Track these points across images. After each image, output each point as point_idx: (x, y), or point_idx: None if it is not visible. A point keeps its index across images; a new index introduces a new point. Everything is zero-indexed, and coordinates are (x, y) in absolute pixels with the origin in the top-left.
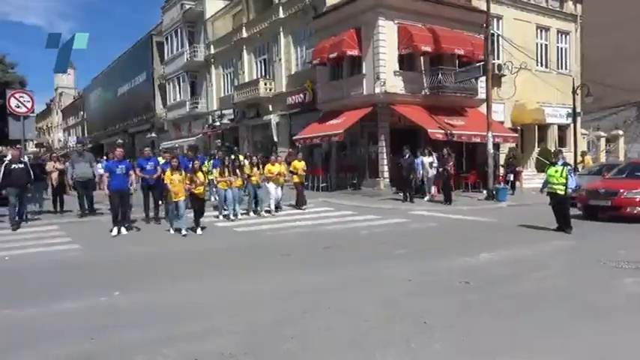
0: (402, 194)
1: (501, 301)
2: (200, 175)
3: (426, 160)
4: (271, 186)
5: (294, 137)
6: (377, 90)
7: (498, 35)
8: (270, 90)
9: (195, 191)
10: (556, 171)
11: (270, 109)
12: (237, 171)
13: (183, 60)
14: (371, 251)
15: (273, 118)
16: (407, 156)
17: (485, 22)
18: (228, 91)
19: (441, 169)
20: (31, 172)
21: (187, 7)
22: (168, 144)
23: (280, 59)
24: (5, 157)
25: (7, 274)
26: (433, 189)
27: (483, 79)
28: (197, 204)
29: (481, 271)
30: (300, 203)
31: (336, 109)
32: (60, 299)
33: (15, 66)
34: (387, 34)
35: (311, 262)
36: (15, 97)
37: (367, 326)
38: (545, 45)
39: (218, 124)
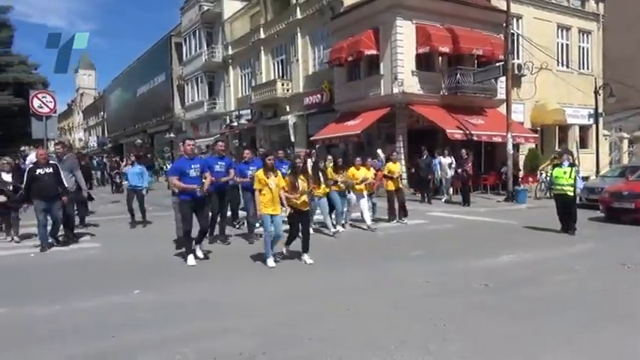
0: (419, 195)
1: (520, 303)
2: (304, 178)
3: (444, 160)
4: (357, 196)
5: (311, 138)
6: (395, 90)
7: (518, 35)
8: (288, 90)
9: (297, 201)
10: (564, 172)
11: (288, 109)
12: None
13: (201, 61)
14: (387, 252)
15: (291, 119)
16: (425, 156)
17: (505, 22)
18: (245, 92)
19: (459, 170)
20: (63, 179)
21: (206, 8)
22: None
23: (298, 60)
24: (27, 156)
25: (30, 271)
26: (451, 190)
27: (503, 79)
28: (300, 219)
29: (500, 273)
30: (391, 215)
31: (354, 109)
32: (81, 297)
33: (38, 67)
34: (405, 34)
35: (327, 264)
36: (38, 98)
37: (384, 327)
38: (567, 44)
39: (236, 124)
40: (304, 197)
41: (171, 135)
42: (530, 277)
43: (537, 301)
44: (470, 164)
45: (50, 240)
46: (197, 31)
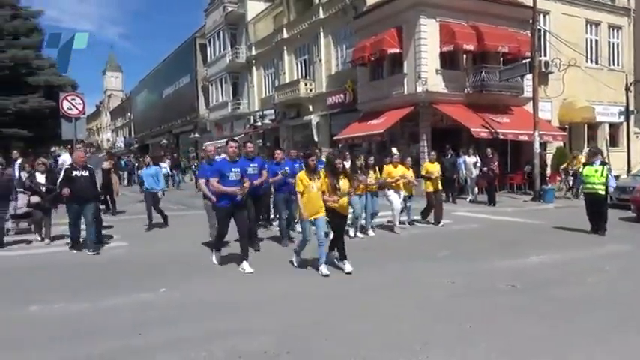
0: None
1: (549, 304)
2: (344, 180)
3: (469, 160)
4: (393, 195)
5: (334, 137)
6: (418, 89)
7: (545, 31)
8: (311, 90)
9: (336, 205)
10: (595, 171)
11: (311, 109)
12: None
13: (225, 61)
14: (412, 253)
15: (314, 119)
16: (449, 156)
17: (532, 18)
18: (269, 92)
19: (485, 170)
20: (97, 183)
21: (229, 9)
22: (211, 144)
23: (320, 59)
24: (58, 157)
25: (59, 269)
26: (476, 189)
27: (529, 76)
28: (338, 224)
29: (528, 274)
30: (426, 216)
31: (377, 108)
32: (109, 295)
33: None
34: (429, 32)
35: (351, 264)
36: (67, 100)
37: (408, 328)
38: (596, 40)
39: (259, 124)
40: (345, 200)
41: (196, 135)
42: (558, 278)
43: (566, 302)
44: (496, 163)
45: (80, 241)
46: (221, 33)
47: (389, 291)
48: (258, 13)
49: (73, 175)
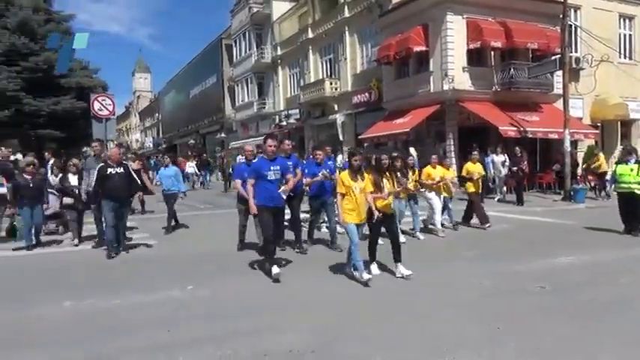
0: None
1: (579, 305)
2: (389, 178)
3: (497, 158)
4: (434, 197)
5: (359, 136)
6: (445, 87)
7: (576, 26)
8: (336, 89)
9: (382, 204)
10: (631, 169)
11: (336, 108)
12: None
13: (251, 62)
14: (440, 253)
15: (339, 118)
16: (476, 155)
17: (562, 13)
18: (294, 91)
19: (514, 169)
20: (138, 180)
21: (255, 9)
22: (237, 144)
23: (346, 58)
24: (89, 157)
25: (91, 266)
26: (504, 189)
27: (559, 73)
28: (387, 225)
29: (557, 275)
30: (468, 219)
31: (403, 107)
32: (138, 292)
33: (98, 71)
34: (456, 29)
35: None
36: (98, 101)
37: (436, 328)
38: (629, 35)
39: (285, 123)
40: (390, 199)
41: (222, 135)
42: (590, 279)
43: (597, 303)
44: (525, 162)
45: (115, 244)
46: (247, 33)
47: (417, 291)
48: (284, 13)
49: (108, 172)
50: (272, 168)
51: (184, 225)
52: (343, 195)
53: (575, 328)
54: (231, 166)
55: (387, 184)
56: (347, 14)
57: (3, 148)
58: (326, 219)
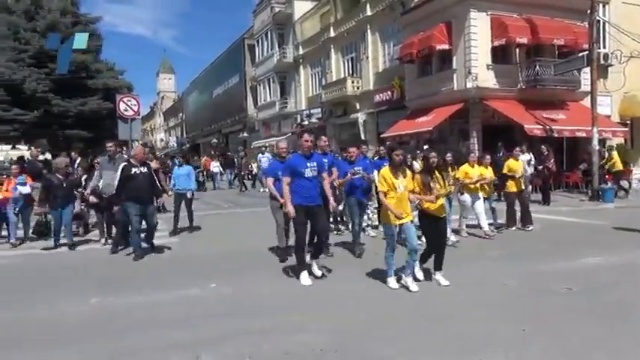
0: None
1: (607, 307)
2: (439, 178)
3: (522, 157)
4: (467, 198)
5: (381, 135)
6: (468, 85)
7: (605, 22)
8: (358, 88)
9: (433, 206)
10: None
11: (358, 107)
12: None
13: (273, 61)
14: (464, 253)
15: (360, 116)
16: (501, 153)
17: (590, 8)
18: (316, 91)
19: (540, 168)
20: (158, 180)
21: (277, 9)
22: (259, 143)
23: (367, 57)
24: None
25: (115, 264)
26: (530, 188)
27: (587, 70)
28: (439, 229)
29: (585, 276)
30: (511, 221)
31: (425, 105)
32: (160, 289)
33: (123, 72)
34: (479, 26)
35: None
36: (123, 102)
37: (460, 329)
38: None
39: (306, 122)
40: (441, 201)
41: (245, 134)
42: (617, 280)
43: (624, 305)
44: (552, 161)
45: (142, 246)
46: (269, 33)
47: (441, 292)
48: (305, 12)
49: (132, 172)
50: (309, 165)
51: (198, 227)
52: (386, 193)
53: (602, 329)
54: (256, 166)
55: (436, 186)
56: (369, 13)
57: (33, 148)
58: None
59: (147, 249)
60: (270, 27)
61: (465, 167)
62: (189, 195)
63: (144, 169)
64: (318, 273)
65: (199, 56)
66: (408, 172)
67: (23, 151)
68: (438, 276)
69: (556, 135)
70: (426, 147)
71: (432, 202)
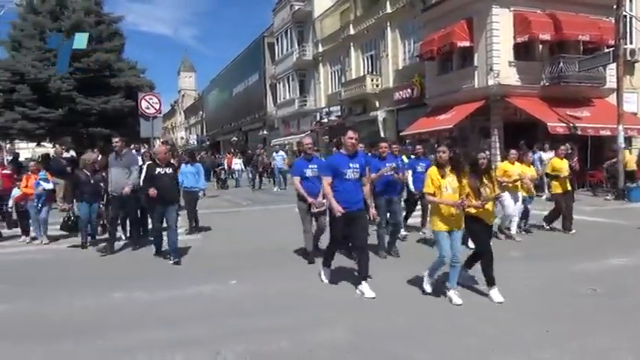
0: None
1: (631, 310)
2: (488, 180)
3: (545, 155)
4: (508, 199)
5: (401, 133)
6: (490, 82)
7: (631, 17)
8: (377, 86)
9: (480, 211)
10: None
11: (377, 104)
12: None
13: (292, 59)
14: None
15: (380, 114)
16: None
17: (617, 3)
18: (335, 88)
19: None
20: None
21: (297, 7)
22: (279, 141)
23: (387, 54)
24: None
25: (137, 260)
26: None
27: (613, 66)
28: (485, 236)
29: (609, 277)
30: (552, 221)
31: (446, 103)
32: (182, 285)
33: (145, 71)
34: (502, 22)
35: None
36: (145, 100)
37: (480, 330)
38: None
39: (325, 120)
40: (490, 205)
41: (265, 132)
42: None
43: None
44: (575, 159)
45: (171, 255)
46: (288, 31)
47: (465, 292)
48: (325, 10)
49: (157, 172)
50: (351, 165)
51: (207, 227)
52: (432, 195)
53: (627, 331)
54: (270, 164)
55: (485, 190)
56: (389, 10)
57: (57, 146)
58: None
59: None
60: (289, 25)
61: (505, 165)
62: (200, 195)
63: (168, 170)
64: (371, 294)
65: (219, 55)
66: (450, 174)
67: (48, 148)
68: (493, 293)
69: (580, 133)
70: (485, 144)
71: (479, 208)
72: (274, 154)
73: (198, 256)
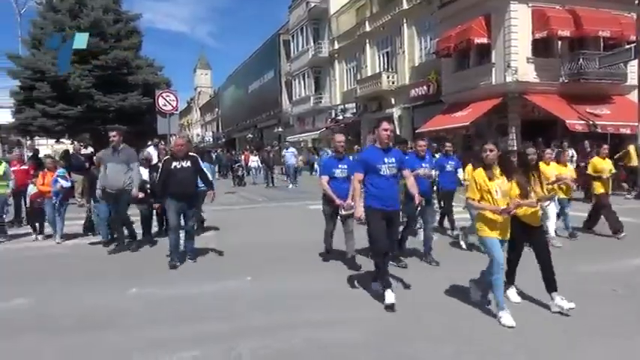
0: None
1: None
2: (535, 179)
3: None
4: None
5: (417, 130)
6: (507, 79)
7: None
8: (393, 83)
9: (527, 213)
10: None
11: (393, 102)
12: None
13: (308, 56)
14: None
15: (396, 112)
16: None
17: None
18: (350, 85)
19: (582, 164)
20: (207, 174)
21: (312, 4)
22: (293, 138)
23: (403, 51)
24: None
25: (154, 256)
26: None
27: (634, 62)
28: (535, 241)
29: (631, 278)
30: (592, 225)
31: (462, 100)
32: (197, 281)
33: (162, 68)
34: (520, 18)
35: (447, 264)
36: (162, 97)
37: (499, 330)
38: None
39: (341, 117)
40: (538, 207)
41: (280, 129)
42: None
43: None
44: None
45: (182, 248)
46: (304, 28)
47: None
48: (341, 6)
49: (173, 166)
50: (386, 160)
51: (218, 225)
52: (477, 201)
53: None
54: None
55: (535, 189)
56: (405, 6)
57: (76, 142)
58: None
59: (183, 252)
60: (305, 22)
61: (540, 165)
62: (209, 194)
63: (186, 163)
64: (391, 300)
65: (235, 52)
66: (497, 173)
67: (67, 144)
68: (557, 299)
69: (599, 130)
70: (502, 141)
71: (533, 207)
72: (285, 150)
73: (212, 252)
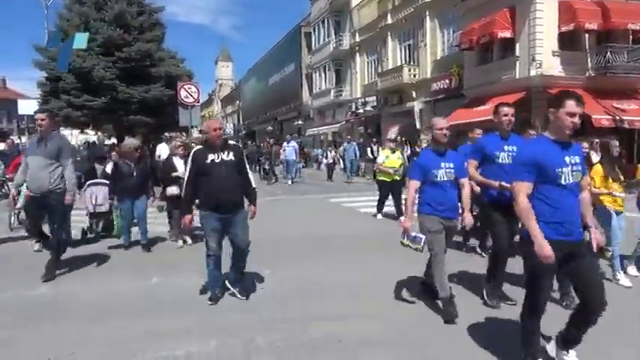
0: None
1: None
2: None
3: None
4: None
5: None
6: (532, 73)
7: None
8: (414, 76)
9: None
10: None
11: (414, 95)
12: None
13: (329, 49)
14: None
15: (417, 105)
16: None
17: None
18: (371, 78)
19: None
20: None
21: None
22: (313, 131)
23: (425, 44)
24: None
25: (174, 249)
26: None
27: None
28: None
29: None
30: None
31: (484, 94)
32: None
33: (184, 61)
34: (546, 11)
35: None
36: (184, 89)
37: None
38: None
39: (361, 111)
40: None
41: (300, 122)
42: None
43: None
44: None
45: (231, 289)
46: (326, 20)
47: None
48: None
49: (210, 160)
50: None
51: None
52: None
53: None
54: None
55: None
56: None
57: (99, 133)
58: None
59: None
60: (327, 14)
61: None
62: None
63: (228, 156)
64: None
65: (257, 44)
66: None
67: (91, 135)
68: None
69: (627, 126)
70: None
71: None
72: (285, 144)
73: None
